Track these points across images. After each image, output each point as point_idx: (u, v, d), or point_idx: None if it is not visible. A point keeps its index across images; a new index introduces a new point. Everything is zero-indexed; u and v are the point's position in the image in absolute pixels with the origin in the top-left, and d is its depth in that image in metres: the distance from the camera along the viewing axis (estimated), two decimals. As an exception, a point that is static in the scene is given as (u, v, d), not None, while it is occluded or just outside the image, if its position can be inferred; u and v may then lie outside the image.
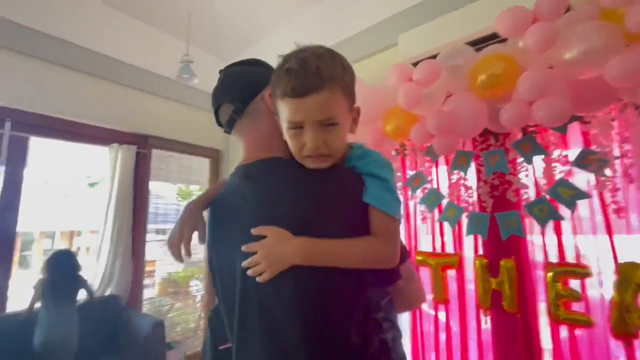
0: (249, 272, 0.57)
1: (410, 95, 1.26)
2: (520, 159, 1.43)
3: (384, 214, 0.59)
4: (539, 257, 1.42)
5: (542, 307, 1.38)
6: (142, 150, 2.50)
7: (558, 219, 1.32)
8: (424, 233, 1.76)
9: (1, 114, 1.92)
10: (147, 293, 2.72)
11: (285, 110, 0.58)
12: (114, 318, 2.14)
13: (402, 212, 0.65)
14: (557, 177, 1.32)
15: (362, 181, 0.61)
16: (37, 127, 2.07)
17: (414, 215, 1.79)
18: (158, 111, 2.55)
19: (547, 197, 1.33)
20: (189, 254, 0.65)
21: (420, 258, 1.71)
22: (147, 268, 3.22)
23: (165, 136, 2.64)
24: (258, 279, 0.56)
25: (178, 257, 0.64)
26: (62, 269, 1.91)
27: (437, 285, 1.63)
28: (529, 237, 1.44)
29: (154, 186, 2.72)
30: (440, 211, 1.65)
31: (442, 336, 1.64)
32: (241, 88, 0.68)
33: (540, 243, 1.40)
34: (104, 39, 2.11)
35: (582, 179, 1.31)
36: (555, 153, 1.36)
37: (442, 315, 1.66)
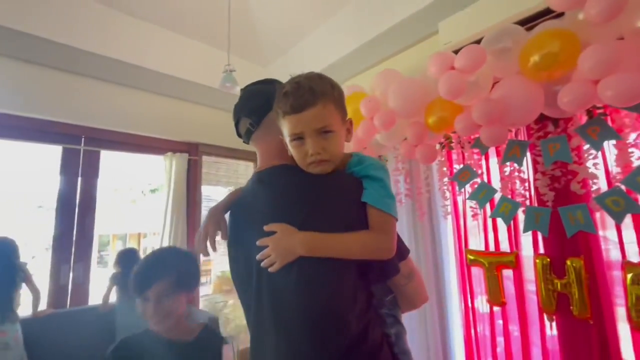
0: (262, 264, 0.65)
1: (452, 84, 1.18)
2: (586, 146, 1.26)
3: (379, 210, 0.66)
4: (614, 255, 1.25)
5: (620, 313, 1.21)
6: (193, 157, 2.69)
7: (638, 212, 1.14)
8: (474, 231, 1.65)
9: (77, 131, 2.19)
10: (203, 290, 2.92)
11: (287, 127, 0.67)
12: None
13: (397, 210, 0.71)
14: (635, 164, 1.15)
15: (361, 184, 0.69)
16: (106, 141, 2.33)
17: (462, 212, 1.69)
18: (206, 119, 2.72)
19: (623, 187, 1.16)
20: (214, 248, 0.75)
21: (471, 257, 1.60)
22: (203, 267, 3.46)
23: (214, 143, 2.80)
24: (270, 269, 0.64)
25: (204, 251, 0.74)
26: (129, 263, 2.14)
27: (491, 286, 1.52)
28: (600, 233, 1.27)
29: (206, 190, 2.91)
30: (492, 207, 1.53)
31: (500, 341, 1.52)
32: (257, 104, 0.78)
33: (615, 240, 1.23)
34: (152, 56, 2.29)
35: (668, 165, 1.12)
36: (632, 137, 1.18)
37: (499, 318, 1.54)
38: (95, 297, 2.20)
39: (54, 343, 1.79)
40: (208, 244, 0.74)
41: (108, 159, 2.53)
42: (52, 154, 2.23)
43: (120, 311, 2.00)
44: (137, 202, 8.07)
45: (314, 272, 0.63)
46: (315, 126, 0.65)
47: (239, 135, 0.83)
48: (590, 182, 1.26)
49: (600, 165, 1.25)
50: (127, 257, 2.19)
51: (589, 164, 1.27)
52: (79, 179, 2.23)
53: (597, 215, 1.27)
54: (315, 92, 0.65)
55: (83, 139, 2.23)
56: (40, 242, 2.11)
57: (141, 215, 7.78)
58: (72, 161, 2.21)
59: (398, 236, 0.71)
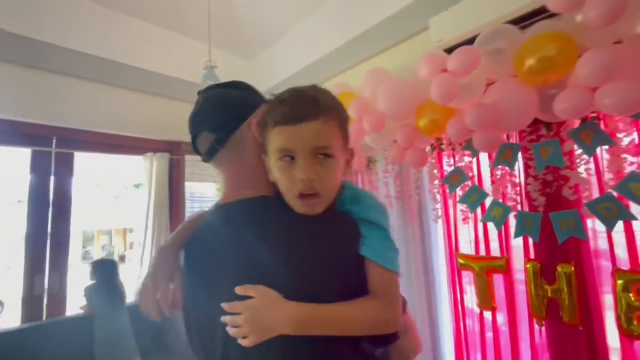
0: (230, 332, 0.51)
1: (445, 88, 1.13)
2: (578, 151, 1.24)
3: (383, 269, 0.54)
4: (605, 262, 1.24)
5: (610, 320, 1.21)
6: (175, 156, 2.58)
7: (630, 219, 1.13)
8: (465, 234, 1.62)
9: (47, 132, 2.05)
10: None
11: (276, 140, 0.54)
12: (160, 318, 2.25)
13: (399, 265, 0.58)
14: (627, 170, 1.13)
15: (358, 229, 0.56)
16: (80, 142, 2.19)
17: (453, 216, 1.65)
18: (188, 117, 2.60)
19: (615, 194, 1.14)
20: (168, 310, 0.58)
21: (462, 261, 1.58)
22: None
23: (197, 141, 2.68)
24: (241, 342, 0.50)
25: (154, 314, 0.57)
26: (106, 274, 2.05)
27: (481, 291, 1.50)
28: (591, 240, 1.26)
29: (194, 186, 2.81)
30: (483, 211, 1.51)
31: (490, 346, 1.52)
32: (224, 115, 0.61)
33: (606, 246, 1.22)
34: (128, 50, 2.15)
35: (661, 172, 1.10)
36: (625, 142, 1.16)
37: (490, 322, 1.53)
38: (76, 303, 2.11)
39: (29, 358, 1.70)
40: (159, 303, 0.57)
41: (86, 155, 2.40)
42: (22, 153, 2.09)
43: (99, 321, 1.91)
44: (120, 198, 7.87)
45: (303, 351, 0.50)
46: (312, 143, 0.52)
47: (197, 152, 0.66)
48: (582, 187, 1.24)
49: (593, 171, 1.23)
50: (101, 269, 2.09)
51: (581, 169, 1.24)
52: (52, 178, 2.09)
53: (589, 221, 1.26)
54: (319, 103, 0.53)
55: (54, 140, 2.09)
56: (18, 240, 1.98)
57: (126, 210, 7.61)
58: (43, 162, 2.07)
59: None
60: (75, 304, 2.11)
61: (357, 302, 0.52)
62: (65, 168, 2.16)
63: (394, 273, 0.55)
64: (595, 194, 1.22)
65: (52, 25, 1.89)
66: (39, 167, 2.05)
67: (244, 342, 0.49)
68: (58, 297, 2.04)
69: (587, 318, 1.24)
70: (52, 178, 2.10)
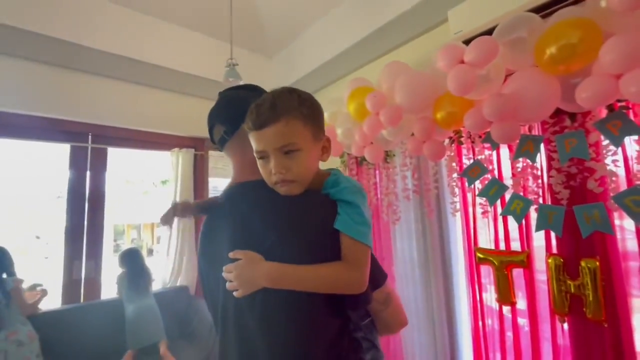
0: (227, 286, 0.62)
1: (462, 79, 1.12)
2: (605, 142, 1.19)
3: (352, 240, 0.62)
4: (633, 257, 1.19)
5: (637, 317, 1.17)
6: (199, 152, 2.69)
7: (659, 212, 1.08)
8: (484, 228, 1.60)
9: (84, 129, 2.21)
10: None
11: (252, 143, 0.65)
12: (185, 306, 2.37)
13: (371, 238, 0.65)
14: (658, 161, 1.08)
15: (335, 207, 0.64)
16: (113, 138, 2.34)
17: (472, 209, 1.63)
18: (210, 113, 2.70)
19: (644, 186, 1.09)
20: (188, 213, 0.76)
21: (481, 256, 1.56)
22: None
23: (220, 137, 2.78)
24: (234, 294, 0.61)
25: (170, 221, 0.75)
26: (132, 263, 2.20)
27: (501, 285, 1.48)
28: (618, 234, 1.21)
29: (215, 182, 2.92)
30: (503, 204, 1.48)
31: (509, 340, 1.49)
32: (233, 112, 0.73)
33: (634, 241, 1.17)
34: (156, 51, 2.27)
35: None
36: (656, 132, 1.11)
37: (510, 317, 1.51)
38: (109, 288, 2.27)
39: (69, 337, 1.85)
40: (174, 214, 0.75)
41: (118, 152, 2.56)
42: (61, 149, 2.26)
43: (128, 306, 2.05)
44: (149, 193, 8.23)
45: (278, 304, 0.59)
46: (276, 144, 0.61)
47: (213, 142, 0.79)
48: (609, 180, 1.20)
49: (621, 163, 1.18)
50: (129, 257, 2.25)
51: (608, 160, 1.20)
52: (88, 173, 2.25)
53: (615, 214, 1.21)
54: (276, 108, 0.61)
55: (90, 137, 2.24)
56: (59, 232, 2.16)
57: (154, 205, 7.96)
58: (80, 158, 2.23)
59: (375, 260, 0.68)
60: (108, 290, 2.27)
61: (325, 264, 0.61)
62: (100, 163, 2.31)
63: (362, 244, 0.62)
64: (624, 186, 1.17)
65: (86, 29, 2.03)
66: (76, 162, 2.22)
67: (236, 294, 0.61)
68: (94, 282, 2.20)
69: (613, 315, 1.19)
70: (88, 173, 2.25)
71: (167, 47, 2.37)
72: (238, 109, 0.71)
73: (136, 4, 2.19)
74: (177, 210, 0.75)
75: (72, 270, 2.12)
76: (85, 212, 2.22)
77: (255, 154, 0.65)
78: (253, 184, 0.70)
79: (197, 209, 0.78)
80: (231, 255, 0.62)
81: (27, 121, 2.00)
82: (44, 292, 1.95)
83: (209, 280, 0.73)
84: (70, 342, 1.83)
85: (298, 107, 0.63)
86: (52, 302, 2.02)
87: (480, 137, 1.52)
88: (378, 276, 0.69)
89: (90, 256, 2.21)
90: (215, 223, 0.72)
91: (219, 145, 0.77)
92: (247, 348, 0.61)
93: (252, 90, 0.78)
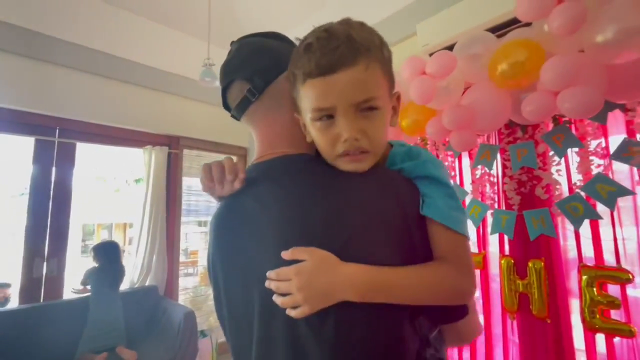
0: (278, 302, 0.43)
1: (423, 89, 1.20)
2: (551, 152, 1.31)
3: (451, 231, 0.46)
4: (572, 258, 1.31)
5: (575, 313, 1.28)
6: (174, 150, 2.66)
7: (595, 218, 1.20)
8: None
9: (51, 123, 2.14)
10: (190, 281, 2.96)
11: (309, 97, 0.45)
12: (153, 306, 2.32)
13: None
14: (595, 172, 1.19)
15: (416, 188, 0.49)
16: (82, 133, 2.27)
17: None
18: (187, 112, 2.68)
19: (583, 194, 1.21)
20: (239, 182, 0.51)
21: (442, 257, 1.65)
22: (191, 258, 3.48)
23: (196, 136, 2.77)
24: (291, 313, 0.42)
25: (220, 184, 0.52)
26: (109, 257, 2.14)
27: (459, 285, 1.57)
28: (561, 237, 1.33)
29: (193, 182, 2.89)
30: (463, 208, 1.57)
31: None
32: (262, 62, 0.53)
33: (574, 243, 1.28)
34: (131, 47, 2.24)
35: (624, 174, 1.18)
36: (593, 144, 1.23)
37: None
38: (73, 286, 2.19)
39: (27, 338, 1.77)
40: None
41: (89, 148, 2.48)
42: (25, 143, 2.17)
43: (94, 305, 1.99)
44: (121, 192, 7.95)
45: (361, 324, 0.43)
46: (354, 98, 0.43)
47: (226, 106, 0.58)
48: (553, 187, 1.31)
49: (563, 172, 1.30)
50: (105, 251, 2.18)
51: (553, 170, 1.31)
52: (54, 169, 2.18)
53: (559, 219, 1.32)
54: (355, 44, 0.42)
55: (57, 131, 2.17)
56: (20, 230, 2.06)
57: (126, 205, 7.68)
58: (45, 152, 2.15)
59: None
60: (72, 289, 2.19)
61: (426, 265, 0.46)
62: (67, 159, 2.23)
63: (464, 236, 0.47)
64: (566, 193, 1.29)
65: (58, 20, 1.98)
66: (41, 157, 2.13)
67: (294, 313, 0.42)
68: (56, 281, 2.12)
69: (555, 311, 1.30)
70: (53, 169, 2.17)
71: (143, 44, 2.34)
72: (271, 60, 0.53)
73: (112, -1, 2.16)
74: (227, 169, 0.51)
75: (32, 268, 2.03)
76: (49, 208, 2.14)
77: (310, 113, 0.46)
78: (298, 157, 0.52)
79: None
80: (287, 255, 0.43)
81: (-13, 112, 1.92)
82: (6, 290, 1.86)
83: (229, 291, 0.52)
84: (28, 343, 1.76)
85: (380, 46, 0.46)
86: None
87: (443, 144, 1.62)
88: None
89: (53, 255, 2.13)
90: (240, 211, 0.51)
91: (236, 110, 0.55)
92: None
93: (284, 41, 0.58)
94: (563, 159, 1.28)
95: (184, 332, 2.04)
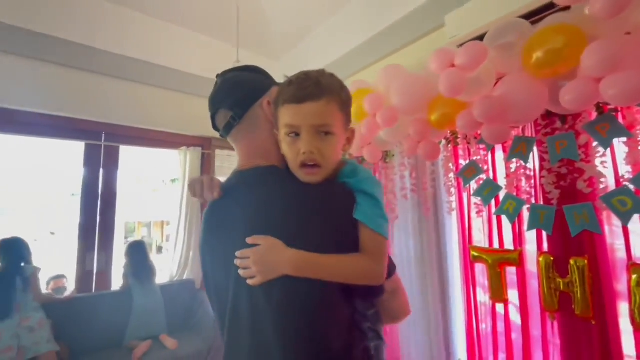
0: (241, 274, 0.59)
1: (452, 82, 1.17)
2: (594, 143, 1.22)
3: (373, 232, 0.61)
4: (620, 256, 1.22)
5: (624, 314, 1.19)
6: (206, 151, 2.78)
7: (646, 212, 1.11)
8: (478, 227, 1.64)
9: (97, 128, 2.32)
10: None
11: (285, 116, 0.62)
12: (191, 299, 2.46)
13: (388, 231, 0.65)
14: (645, 162, 1.11)
15: (354, 197, 0.63)
16: (125, 137, 2.45)
17: (467, 208, 1.67)
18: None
19: (632, 187, 1.12)
20: (214, 194, 0.67)
21: (475, 254, 1.60)
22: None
23: (226, 137, 2.88)
24: (249, 282, 0.59)
25: (199, 196, 0.67)
26: (137, 254, 2.31)
27: (494, 283, 1.52)
28: (607, 234, 1.24)
29: (223, 179, 3.01)
30: (497, 203, 1.52)
31: (502, 337, 1.53)
32: (240, 94, 0.68)
33: (622, 240, 1.20)
34: (167, 54, 2.38)
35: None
36: (643, 134, 1.14)
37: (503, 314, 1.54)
38: (119, 281, 2.37)
39: (81, 324, 1.95)
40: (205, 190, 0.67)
41: (129, 150, 2.67)
42: (75, 147, 2.37)
43: (137, 296, 2.15)
44: (159, 191, 8.40)
45: (297, 292, 0.58)
46: (314, 122, 0.60)
47: (215, 128, 0.74)
48: (597, 180, 1.23)
49: (609, 164, 1.21)
50: (133, 249, 2.36)
51: (597, 161, 1.23)
52: (101, 170, 2.37)
53: (604, 214, 1.24)
54: (321, 86, 0.60)
55: (104, 135, 2.35)
56: (73, 228, 2.27)
57: (164, 203, 8.12)
58: (94, 155, 2.34)
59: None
60: (118, 282, 2.37)
61: (348, 255, 0.61)
62: (112, 161, 2.42)
63: (382, 236, 0.62)
64: (612, 187, 1.20)
65: (103, 34, 2.14)
66: (90, 160, 2.33)
67: (251, 282, 0.58)
68: (105, 274, 2.31)
69: (601, 312, 1.22)
70: (101, 171, 2.37)
71: (177, 50, 2.47)
72: (244, 92, 0.68)
73: (148, 9, 2.29)
74: (205, 185, 0.68)
75: (85, 262, 2.23)
76: (98, 208, 2.33)
77: (283, 129, 0.63)
78: (268, 169, 0.67)
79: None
80: (250, 240, 0.59)
81: (44, 120, 2.12)
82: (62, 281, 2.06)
83: (214, 271, 0.69)
84: (82, 329, 1.94)
85: (339, 90, 0.63)
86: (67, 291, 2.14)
87: (475, 138, 1.56)
88: (389, 267, 0.69)
89: (102, 250, 2.32)
90: (223, 209, 0.67)
91: (223, 132, 0.71)
92: (259, 338, 0.58)
93: (256, 72, 0.74)
94: (608, 150, 1.20)
95: (220, 323, 2.14)
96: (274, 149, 0.69)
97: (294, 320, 0.57)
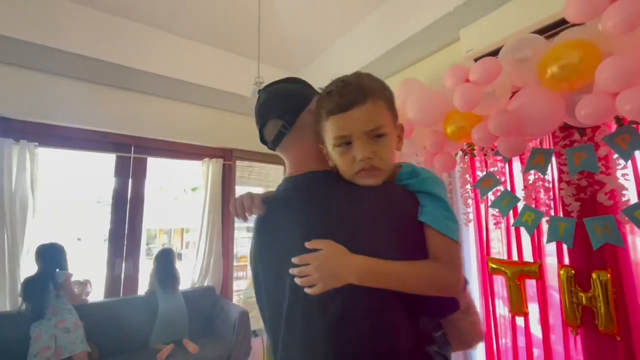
0: (298, 281, 0.55)
1: (467, 97, 1.20)
2: (615, 155, 1.21)
3: (443, 235, 0.55)
4: (645, 271, 1.19)
5: (651, 331, 1.16)
6: (227, 162, 2.89)
7: (670, 226, 1.09)
8: (496, 239, 1.63)
9: (127, 141, 2.47)
10: (240, 285, 3.16)
11: (331, 129, 0.59)
12: (211, 305, 2.53)
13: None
14: (668, 175, 1.09)
15: (416, 199, 0.59)
16: (152, 149, 2.59)
17: (485, 220, 1.67)
18: (239, 126, 2.91)
19: (654, 199, 1.11)
20: (252, 212, 0.66)
21: (493, 266, 1.59)
22: (241, 262, 3.72)
23: (246, 148, 2.99)
24: (307, 291, 0.54)
25: (243, 215, 0.66)
26: (164, 261, 2.41)
27: (513, 295, 1.50)
28: (630, 247, 1.22)
29: (240, 191, 3.11)
30: (515, 215, 1.51)
31: (521, 350, 1.50)
32: (288, 103, 0.67)
33: (646, 254, 1.17)
34: (191, 69, 2.50)
35: None
36: (666, 146, 1.12)
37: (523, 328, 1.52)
38: (144, 286, 2.48)
39: (110, 326, 2.05)
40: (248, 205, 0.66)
41: (155, 161, 2.81)
42: (103, 158, 2.53)
43: (162, 302, 2.25)
44: (180, 200, 8.68)
45: (362, 307, 0.53)
46: (365, 127, 0.56)
47: (264, 141, 0.72)
48: (619, 193, 1.21)
49: (630, 176, 1.20)
50: (161, 256, 2.47)
51: (618, 174, 1.22)
52: (130, 180, 2.51)
53: (627, 227, 1.22)
54: (364, 89, 0.57)
55: (133, 147, 2.50)
56: (99, 234, 2.42)
57: (184, 211, 8.37)
58: (124, 166, 2.49)
59: None
60: (144, 287, 2.49)
61: (419, 261, 0.55)
62: (140, 172, 2.56)
63: (453, 241, 0.56)
64: (634, 199, 1.19)
65: (132, 52, 2.29)
66: (121, 171, 2.48)
67: (311, 290, 0.53)
68: (132, 279, 2.42)
69: (626, 328, 1.19)
70: (130, 181, 2.51)
71: (201, 66, 2.60)
72: (294, 100, 0.67)
73: (174, 28, 2.44)
74: (246, 205, 0.65)
75: (114, 267, 2.36)
76: (126, 215, 2.47)
77: (332, 141, 0.59)
78: (324, 174, 0.65)
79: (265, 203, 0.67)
80: (309, 244, 0.55)
81: (82, 134, 2.28)
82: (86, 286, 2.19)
83: (267, 280, 0.65)
84: (112, 331, 2.04)
85: (382, 88, 0.60)
86: (96, 295, 2.26)
87: (492, 149, 1.57)
88: (463, 280, 0.60)
89: (129, 255, 2.44)
90: (275, 216, 0.65)
91: (272, 143, 0.69)
92: (312, 353, 0.54)
93: (297, 82, 0.72)
94: (630, 162, 1.19)
95: (239, 330, 2.19)
96: (324, 157, 0.66)
97: (350, 339, 0.51)
